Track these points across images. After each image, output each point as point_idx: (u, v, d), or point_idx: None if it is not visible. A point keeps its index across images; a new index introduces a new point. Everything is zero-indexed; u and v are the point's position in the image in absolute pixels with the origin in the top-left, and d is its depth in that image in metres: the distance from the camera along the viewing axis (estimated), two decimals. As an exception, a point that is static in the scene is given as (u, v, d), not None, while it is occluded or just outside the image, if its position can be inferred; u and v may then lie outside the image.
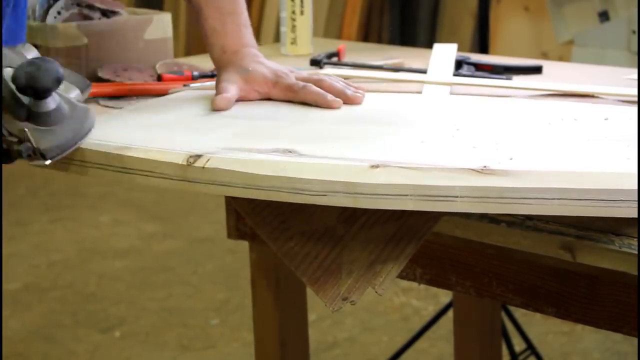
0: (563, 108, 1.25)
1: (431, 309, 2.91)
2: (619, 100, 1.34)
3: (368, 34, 4.31)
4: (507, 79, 1.48)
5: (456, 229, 1.10)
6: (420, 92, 1.38)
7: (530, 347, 2.35)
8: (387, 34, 4.30)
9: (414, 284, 2.88)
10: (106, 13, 1.60)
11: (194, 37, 4.77)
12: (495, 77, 1.49)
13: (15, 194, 4.01)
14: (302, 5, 1.77)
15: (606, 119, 1.17)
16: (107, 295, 3.09)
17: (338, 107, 1.24)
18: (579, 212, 0.94)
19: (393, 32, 4.28)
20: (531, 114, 1.23)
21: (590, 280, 1.16)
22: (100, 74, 1.51)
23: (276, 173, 0.98)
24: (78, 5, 1.59)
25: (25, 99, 1.02)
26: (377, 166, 0.97)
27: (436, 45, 1.66)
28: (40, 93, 1.01)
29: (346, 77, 1.40)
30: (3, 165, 1.06)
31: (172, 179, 1.03)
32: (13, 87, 1.01)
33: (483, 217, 1.06)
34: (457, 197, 0.94)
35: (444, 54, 1.60)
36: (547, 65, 1.59)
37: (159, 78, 1.49)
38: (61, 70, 1.02)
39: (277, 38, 4.21)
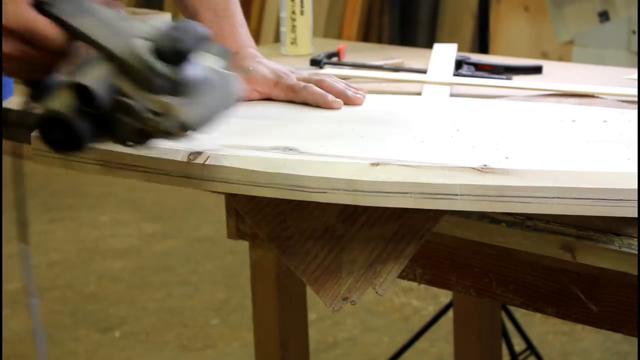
0: (563, 109, 1.25)
1: (431, 309, 2.91)
2: (619, 101, 1.34)
3: (368, 34, 4.31)
4: (507, 79, 1.48)
5: (456, 229, 1.10)
6: (420, 92, 1.38)
7: (530, 347, 2.35)
8: (387, 34, 4.30)
9: (414, 284, 2.88)
10: (106, 13, 1.59)
11: (194, 37, 4.77)
12: (495, 77, 1.49)
13: (15, 194, 4.00)
14: (302, 5, 1.77)
15: (605, 121, 1.17)
16: (107, 295, 3.09)
17: (338, 108, 1.24)
18: (579, 212, 0.94)
19: (393, 32, 4.28)
20: (531, 115, 1.23)
21: (590, 280, 1.16)
22: (101, 73, 1.51)
23: (276, 170, 0.98)
24: (78, 5, 1.59)
25: (164, 69, 0.91)
26: (377, 164, 0.97)
27: (436, 45, 1.66)
28: (182, 55, 0.91)
29: (346, 77, 1.40)
30: (3, 164, 1.04)
31: (172, 175, 1.03)
32: (149, 58, 0.91)
33: (483, 217, 1.06)
34: (457, 195, 0.94)
35: (444, 54, 1.60)
36: (547, 65, 1.59)
37: (159, 78, 1.48)
38: (204, 30, 0.92)
39: (277, 38, 4.21)
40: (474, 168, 0.96)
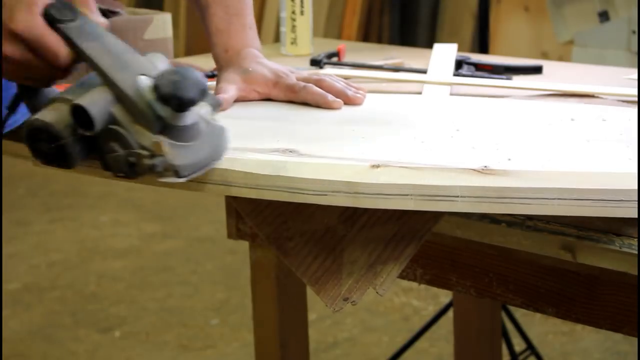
0: (563, 109, 1.25)
1: (431, 309, 2.91)
2: (619, 100, 1.34)
3: (368, 34, 4.31)
4: (507, 79, 1.48)
5: (456, 229, 1.10)
6: (420, 92, 1.38)
7: (530, 347, 2.35)
8: (387, 34, 4.30)
9: (414, 284, 2.88)
10: (106, 13, 1.60)
11: (194, 37, 4.77)
12: (495, 77, 1.49)
13: (15, 194, 4.01)
14: (302, 5, 1.77)
15: (604, 120, 1.17)
16: (107, 295, 3.09)
17: (338, 108, 1.24)
18: (579, 212, 0.94)
19: (393, 32, 4.28)
20: (531, 114, 1.23)
21: (590, 280, 1.16)
22: (101, 74, 1.51)
23: (276, 173, 0.98)
24: (78, 5, 1.59)
25: (162, 111, 0.93)
26: (377, 166, 0.97)
27: (436, 45, 1.66)
28: (184, 104, 0.92)
29: (346, 77, 1.40)
30: (3, 165, 1.05)
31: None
32: (150, 96, 0.93)
33: (483, 217, 1.06)
34: (457, 196, 0.94)
35: (444, 54, 1.60)
36: (547, 65, 1.59)
37: (159, 78, 1.48)
38: (206, 82, 0.94)
39: (277, 38, 4.21)
40: (474, 169, 0.96)
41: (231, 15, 1.32)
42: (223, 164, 1.00)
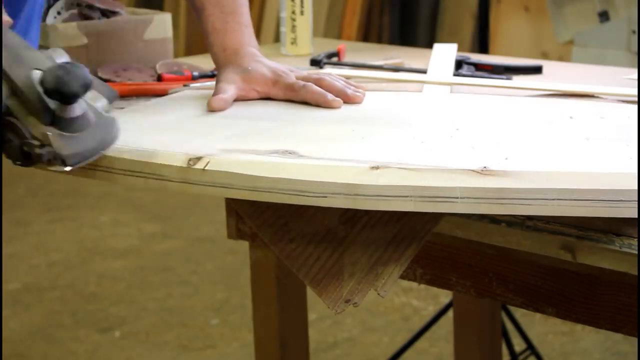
0: (562, 108, 1.25)
1: (431, 309, 2.91)
2: (619, 100, 1.34)
3: (368, 34, 4.31)
4: (507, 79, 1.48)
5: (456, 229, 1.10)
6: (420, 92, 1.38)
7: (530, 347, 2.35)
8: (387, 34, 4.30)
9: (414, 284, 2.88)
10: (106, 13, 1.60)
11: (194, 37, 4.77)
12: (495, 77, 1.49)
13: (15, 194, 4.01)
14: (302, 5, 1.77)
15: (602, 118, 1.17)
16: (107, 295, 3.09)
17: (338, 107, 1.24)
18: (579, 213, 0.94)
19: (393, 32, 4.28)
20: (531, 113, 1.23)
21: (590, 280, 1.16)
22: (100, 74, 1.51)
23: (276, 175, 0.97)
24: (78, 5, 1.59)
25: (51, 103, 1.00)
26: (377, 167, 0.97)
27: (436, 45, 1.66)
28: (68, 98, 0.99)
29: (346, 77, 1.40)
30: (3, 165, 1.06)
31: (172, 181, 1.02)
32: (40, 90, 0.99)
33: (483, 217, 1.06)
34: (457, 198, 0.94)
35: (444, 54, 1.60)
36: (547, 65, 1.59)
37: (159, 78, 1.49)
38: (90, 77, 1.00)
39: (277, 38, 4.21)
40: (473, 170, 0.95)
41: (227, 14, 1.32)
42: (223, 166, 1.00)
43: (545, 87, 1.41)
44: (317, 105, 1.25)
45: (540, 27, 3.72)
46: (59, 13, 1.57)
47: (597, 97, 1.36)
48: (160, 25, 1.60)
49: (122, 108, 1.34)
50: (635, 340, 2.49)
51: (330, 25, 4.27)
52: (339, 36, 4.25)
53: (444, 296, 2.91)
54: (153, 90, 1.43)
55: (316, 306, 2.52)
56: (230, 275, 3.21)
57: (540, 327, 2.77)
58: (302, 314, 1.73)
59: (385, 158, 0.99)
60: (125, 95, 1.42)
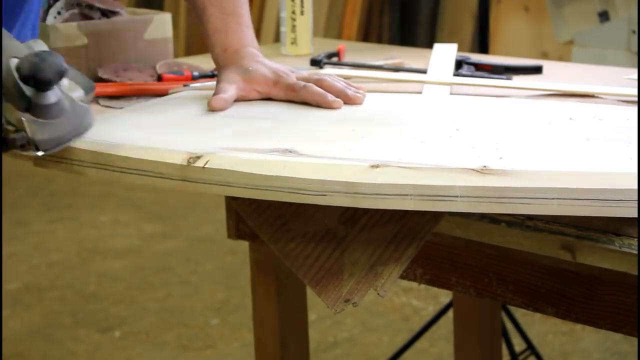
0: (562, 108, 1.25)
1: (431, 309, 2.91)
2: (619, 100, 1.34)
3: (368, 34, 4.31)
4: (507, 79, 1.48)
5: (456, 229, 1.10)
6: (420, 92, 1.38)
7: (530, 347, 2.35)
8: (387, 34, 4.30)
9: (414, 284, 2.88)
10: (106, 13, 1.60)
11: (194, 37, 4.77)
12: (495, 77, 1.49)
13: (15, 194, 4.01)
14: (302, 5, 1.77)
15: (600, 119, 1.17)
16: (107, 295, 3.09)
17: (339, 107, 1.24)
18: (579, 212, 0.94)
19: (393, 32, 4.28)
20: (531, 114, 1.23)
21: (590, 280, 1.16)
22: (100, 74, 1.51)
23: (276, 173, 0.98)
24: (78, 5, 1.59)
25: (27, 90, 1.02)
26: (377, 166, 0.97)
27: (436, 45, 1.66)
28: (42, 84, 1.02)
29: (346, 77, 1.40)
30: (3, 165, 1.06)
31: (172, 179, 1.03)
32: (17, 76, 1.02)
33: (483, 217, 1.06)
34: (457, 196, 0.94)
35: (444, 54, 1.60)
36: (547, 65, 1.59)
37: (159, 78, 1.49)
38: (65, 65, 1.03)
39: (277, 38, 4.21)
40: (473, 169, 0.96)
41: (227, 15, 1.32)
42: (223, 164, 1.00)
43: (545, 87, 1.41)
44: (318, 105, 1.25)
45: (540, 27, 3.72)
46: (59, 13, 1.57)
47: (597, 97, 1.36)
48: (160, 25, 1.60)
49: (122, 108, 1.34)
50: (635, 340, 2.49)
51: (330, 25, 4.27)
52: (339, 36, 4.25)
53: (444, 296, 2.91)
54: (153, 90, 1.43)
55: (316, 306, 2.52)
56: (230, 275, 3.21)
57: (540, 327, 2.77)
58: (302, 314, 1.73)
59: (385, 157, 0.99)
60: (125, 95, 1.42)
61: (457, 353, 1.99)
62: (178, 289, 3.13)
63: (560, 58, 3.32)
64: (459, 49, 1.65)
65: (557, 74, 1.57)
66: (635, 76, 1.49)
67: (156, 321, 2.90)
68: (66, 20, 1.57)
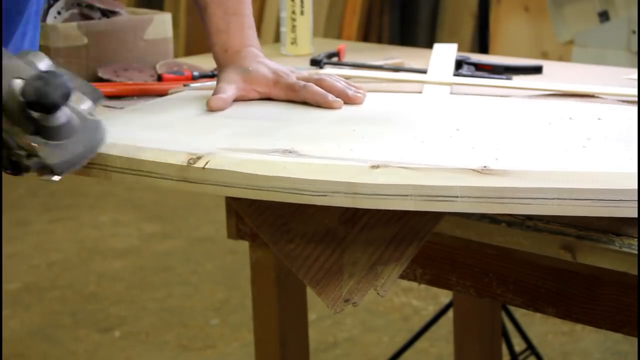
0: (563, 108, 1.25)
1: (431, 309, 2.91)
2: (619, 100, 1.34)
3: (368, 34, 4.31)
4: (507, 79, 1.48)
5: (456, 229, 1.10)
6: (420, 92, 1.38)
7: (530, 347, 2.35)
8: (387, 34, 4.30)
9: (414, 284, 2.88)
10: (106, 13, 1.60)
11: (194, 37, 4.77)
12: (495, 77, 1.49)
13: (15, 194, 4.01)
14: (302, 5, 1.77)
15: (599, 119, 1.17)
16: (107, 295, 3.09)
17: (339, 107, 1.24)
18: (579, 212, 0.94)
19: (393, 32, 4.28)
20: (531, 114, 1.23)
21: (590, 280, 1.16)
22: (100, 74, 1.51)
23: (276, 173, 0.98)
24: (78, 5, 1.59)
25: (34, 113, 0.99)
26: (377, 166, 0.97)
27: (436, 45, 1.66)
28: (49, 109, 0.98)
29: (346, 77, 1.40)
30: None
31: (172, 179, 1.03)
32: (22, 100, 0.98)
33: (483, 217, 1.06)
34: (457, 197, 0.94)
35: (444, 54, 1.60)
36: (547, 65, 1.59)
37: (159, 78, 1.49)
38: (70, 85, 0.99)
39: (277, 38, 4.21)
40: (473, 170, 0.96)
41: (230, 15, 1.32)
42: (223, 165, 1.00)
43: (545, 87, 1.41)
44: (318, 105, 1.25)
45: (540, 27, 3.72)
46: (59, 13, 1.57)
47: (597, 97, 1.36)
48: (160, 25, 1.61)
49: (122, 108, 1.34)
50: (635, 340, 2.49)
51: (330, 25, 4.27)
52: (339, 36, 4.25)
53: (444, 296, 2.91)
54: (153, 90, 1.43)
55: (316, 306, 2.52)
56: (230, 275, 3.21)
57: (540, 327, 2.77)
58: (302, 314, 1.73)
59: (385, 157, 0.99)
60: (125, 95, 1.42)
61: (457, 353, 1.99)
62: (178, 289, 3.13)
63: (560, 58, 3.32)
64: (459, 49, 1.65)
65: (557, 74, 1.57)
66: (635, 76, 1.49)
67: (156, 321, 2.90)
68: (66, 20, 1.57)
